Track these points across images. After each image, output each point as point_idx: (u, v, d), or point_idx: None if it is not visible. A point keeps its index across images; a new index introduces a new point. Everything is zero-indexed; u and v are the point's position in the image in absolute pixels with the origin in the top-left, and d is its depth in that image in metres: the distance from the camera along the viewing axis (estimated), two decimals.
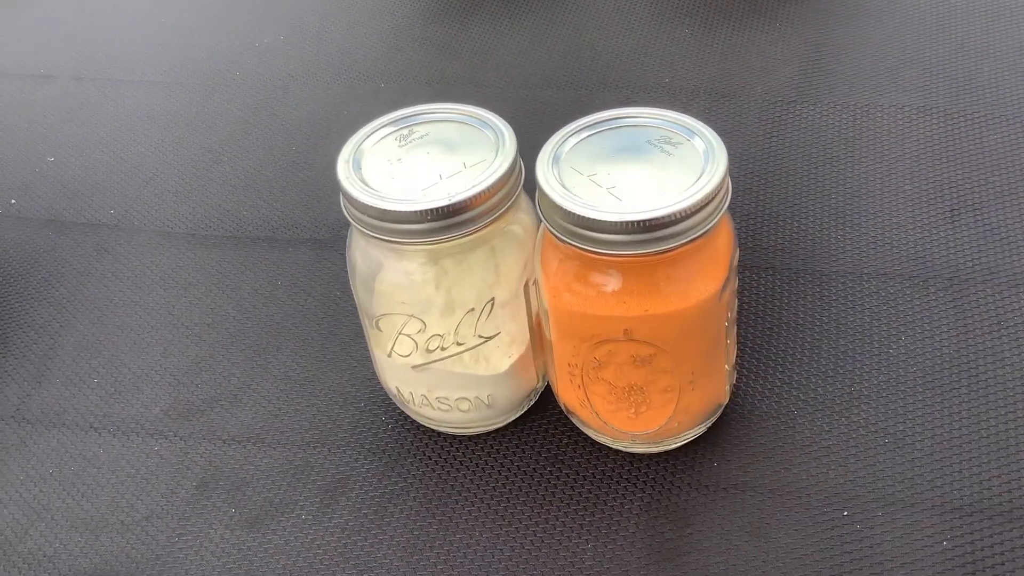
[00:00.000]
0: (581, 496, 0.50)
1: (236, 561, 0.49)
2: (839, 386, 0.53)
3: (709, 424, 0.51)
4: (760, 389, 0.53)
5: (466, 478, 0.51)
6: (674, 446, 0.51)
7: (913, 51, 0.73)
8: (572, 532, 0.49)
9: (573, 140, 0.46)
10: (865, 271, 0.58)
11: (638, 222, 0.43)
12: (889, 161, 0.65)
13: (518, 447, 0.52)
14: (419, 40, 0.82)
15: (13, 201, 0.71)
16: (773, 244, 0.61)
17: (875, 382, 0.53)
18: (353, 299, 0.49)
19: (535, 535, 0.49)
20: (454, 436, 0.53)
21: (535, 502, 0.50)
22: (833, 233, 0.61)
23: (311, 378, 0.57)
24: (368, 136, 0.48)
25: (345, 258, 0.47)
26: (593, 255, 0.44)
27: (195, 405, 0.57)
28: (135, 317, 0.62)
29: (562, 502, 0.50)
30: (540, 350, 0.51)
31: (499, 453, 0.52)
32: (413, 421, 0.54)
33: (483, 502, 0.50)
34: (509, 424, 0.53)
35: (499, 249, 0.48)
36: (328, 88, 0.78)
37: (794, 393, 0.53)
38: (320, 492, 0.52)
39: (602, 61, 0.76)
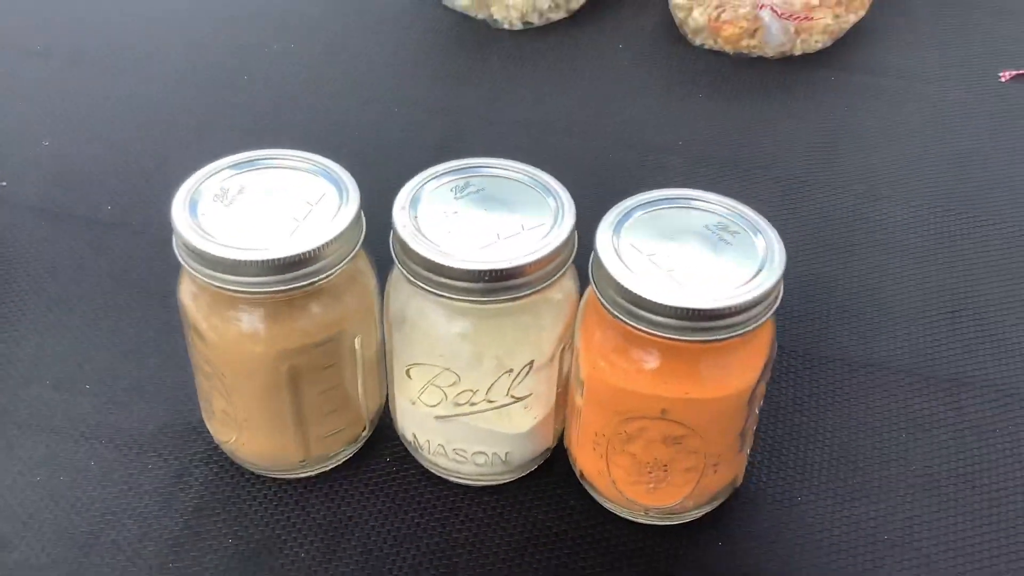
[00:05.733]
0: (586, 563, 0.50)
1: None
2: (840, 477, 0.54)
3: (718, 503, 0.52)
4: (766, 472, 0.54)
5: (470, 531, 0.51)
6: (681, 522, 0.52)
7: (933, 143, 0.75)
8: None
9: (636, 214, 0.46)
10: (869, 362, 0.60)
11: (697, 310, 0.43)
12: (895, 255, 0.66)
13: (524, 504, 0.52)
14: (433, 70, 0.81)
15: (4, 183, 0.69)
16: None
17: (877, 477, 0.54)
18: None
19: None
20: (458, 485, 0.53)
21: (541, 564, 0.50)
22: (834, 320, 0.62)
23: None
24: (424, 183, 0.48)
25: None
26: (643, 334, 0.44)
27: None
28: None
29: (567, 568, 0.50)
30: (560, 413, 0.52)
31: (505, 508, 0.52)
32: (418, 466, 0.54)
33: (487, 558, 0.50)
34: (515, 480, 0.53)
35: (541, 313, 0.48)
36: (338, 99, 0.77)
37: (797, 480, 0.54)
38: (322, 531, 0.51)
39: (617, 116, 0.77)
